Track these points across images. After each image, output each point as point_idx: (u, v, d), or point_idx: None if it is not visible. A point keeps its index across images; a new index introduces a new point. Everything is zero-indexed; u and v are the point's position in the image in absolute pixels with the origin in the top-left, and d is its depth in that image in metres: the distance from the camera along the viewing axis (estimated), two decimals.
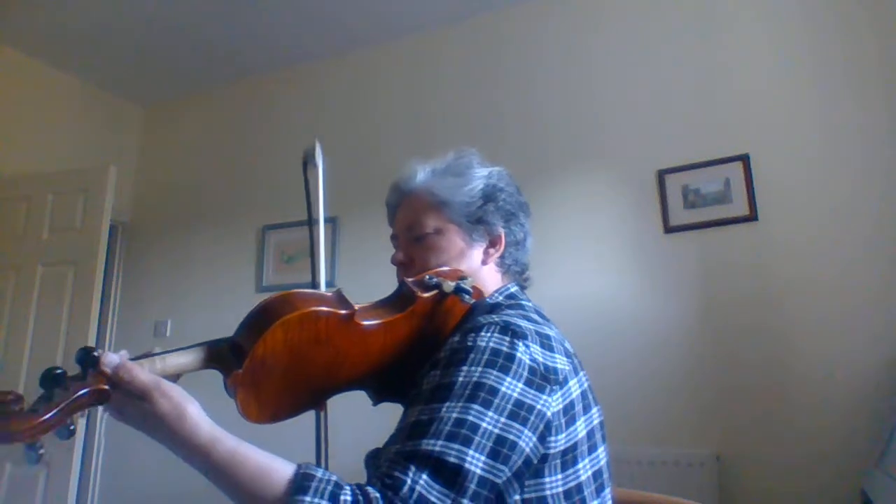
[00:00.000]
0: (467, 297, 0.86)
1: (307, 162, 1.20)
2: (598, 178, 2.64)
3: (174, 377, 0.72)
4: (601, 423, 0.87)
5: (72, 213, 2.90)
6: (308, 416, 0.92)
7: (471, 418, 0.70)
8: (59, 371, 0.61)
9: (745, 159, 2.40)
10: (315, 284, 1.19)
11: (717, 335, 2.32)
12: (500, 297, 0.97)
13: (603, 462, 0.85)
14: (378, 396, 0.94)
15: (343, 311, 0.78)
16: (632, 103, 2.65)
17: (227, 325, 0.80)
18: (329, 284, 3.03)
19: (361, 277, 2.88)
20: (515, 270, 1.04)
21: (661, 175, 2.52)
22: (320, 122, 3.35)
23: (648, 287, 2.45)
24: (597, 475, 0.83)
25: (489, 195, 1.00)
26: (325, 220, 3.66)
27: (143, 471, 3.04)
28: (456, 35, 3.12)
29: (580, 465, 0.80)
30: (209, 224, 3.49)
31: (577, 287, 2.51)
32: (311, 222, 1.13)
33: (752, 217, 2.36)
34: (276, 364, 0.75)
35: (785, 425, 2.17)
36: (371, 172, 2.88)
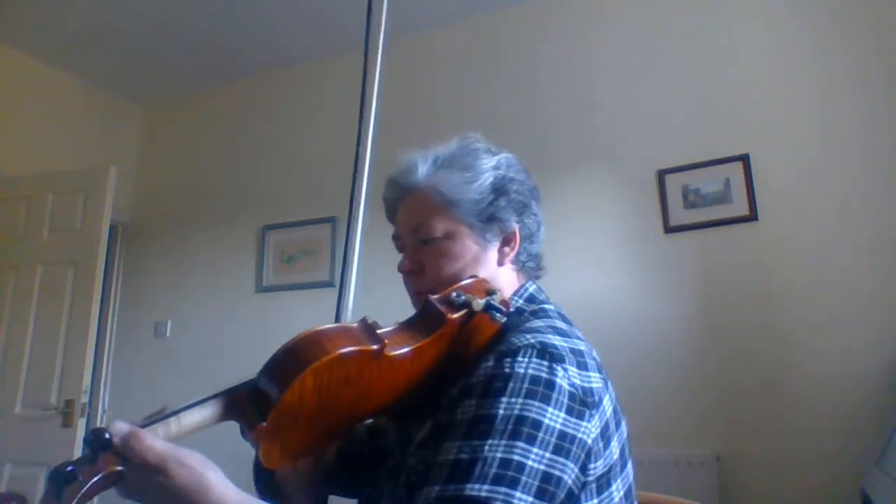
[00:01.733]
0: (499, 315, 0.79)
1: None
2: (598, 178, 2.64)
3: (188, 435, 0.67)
4: (628, 437, 0.84)
5: (72, 213, 2.89)
6: None
7: (516, 458, 0.67)
8: (70, 469, 0.56)
9: (745, 159, 2.39)
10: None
11: (717, 335, 2.32)
12: (521, 301, 0.92)
13: (631, 478, 0.82)
14: (398, 421, 0.90)
15: (374, 347, 0.72)
16: (632, 103, 2.65)
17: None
18: (329, 285, 3.03)
19: (362, 276, 2.88)
20: (531, 266, 0.98)
21: (661, 175, 2.52)
22: (320, 123, 3.35)
23: (648, 287, 2.45)
24: (628, 494, 0.80)
25: (500, 188, 0.91)
26: (325, 220, 3.64)
27: None
28: (456, 35, 3.12)
29: (613, 487, 0.77)
30: (209, 224, 3.49)
31: (577, 287, 2.51)
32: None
33: (752, 217, 2.36)
34: (302, 411, 0.70)
35: (785, 425, 2.17)
36: (371, 172, 2.88)
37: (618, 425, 0.80)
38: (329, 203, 3.14)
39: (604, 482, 0.75)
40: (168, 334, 3.38)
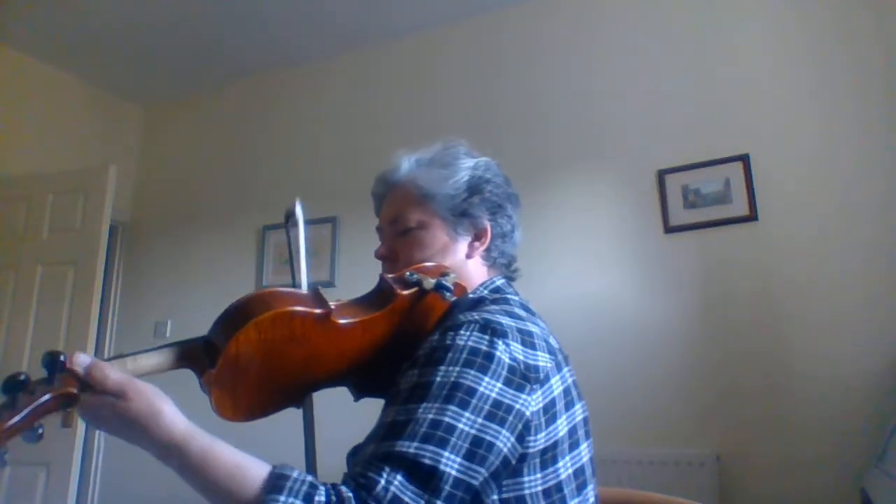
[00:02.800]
0: (448, 294, 0.85)
1: (289, 219, 1.11)
2: (598, 178, 2.64)
3: (146, 377, 0.71)
4: (585, 420, 0.86)
5: (72, 213, 2.89)
6: (296, 415, 0.91)
7: (447, 419, 0.70)
8: (22, 377, 0.60)
9: (745, 159, 2.39)
10: None
11: (717, 335, 2.32)
12: (485, 291, 0.96)
13: (585, 459, 0.84)
14: (358, 392, 0.94)
15: (318, 311, 0.77)
16: (632, 103, 2.65)
17: None
18: (328, 285, 3.03)
19: (361, 277, 2.88)
20: (502, 263, 1.02)
21: (661, 175, 2.52)
22: (320, 122, 3.35)
23: (648, 287, 2.45)
24: (578, 473, 0.81)
25: (474, 187, 0.98)
26: (325, 220, 3.65)
27: (142, 471, 3.02)
28: (456, 35, 3.12)
29: (560, 464, 0.79)
30: (209, 224, 3.49)
31: (577, 287, 2.51)
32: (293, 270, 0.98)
33: (752, 217, 2.36)
34: (250, 363, 0.74)
35: (785, 425, 2.17)
36: (370, 172, 2.87)
37: (568, 406, 0.82)
38: (329, 203, 3.14)
39: (549, 458, 0.78)
40: (168, 334, 3.38)
